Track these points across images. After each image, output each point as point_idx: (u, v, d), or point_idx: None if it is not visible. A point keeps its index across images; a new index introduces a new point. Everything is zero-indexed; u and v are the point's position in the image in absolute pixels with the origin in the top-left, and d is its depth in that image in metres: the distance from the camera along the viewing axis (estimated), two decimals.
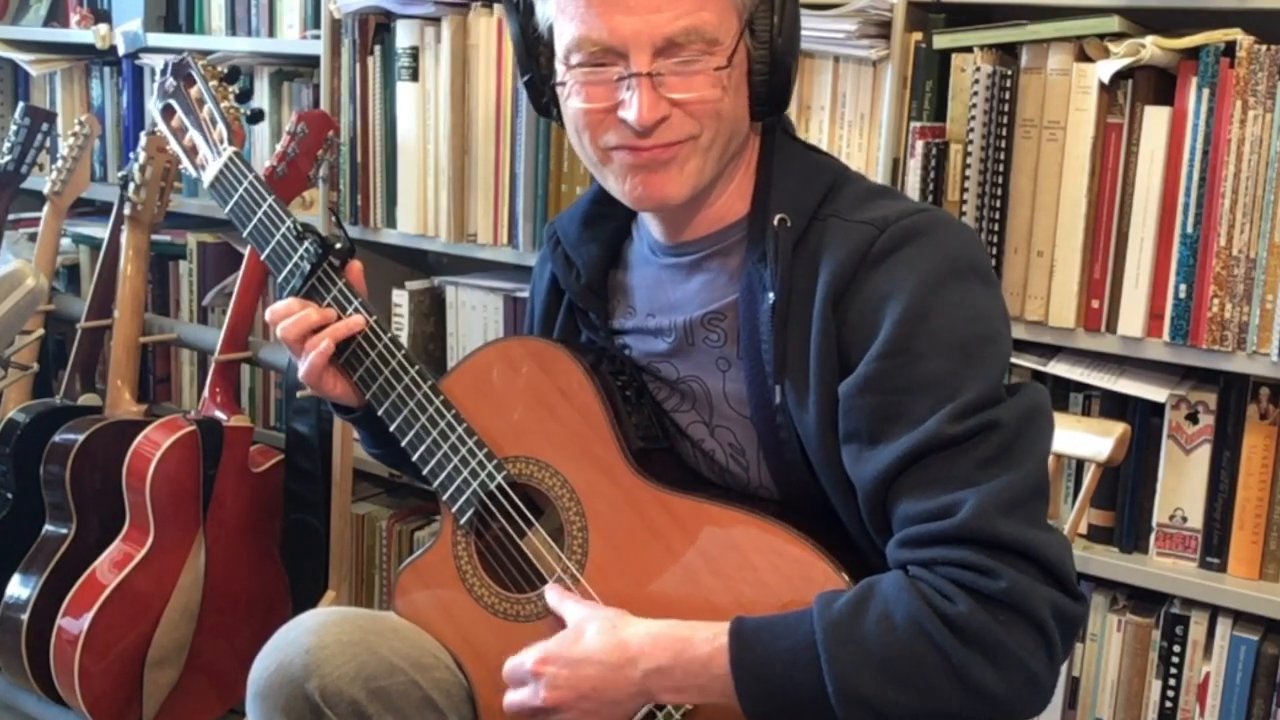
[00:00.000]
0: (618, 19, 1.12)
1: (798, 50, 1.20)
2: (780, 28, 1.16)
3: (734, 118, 1.18)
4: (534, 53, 1.22)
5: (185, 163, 1.57)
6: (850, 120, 1.82)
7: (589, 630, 1.15)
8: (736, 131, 1.19)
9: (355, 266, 1.39)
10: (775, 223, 1.18)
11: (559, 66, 1.19)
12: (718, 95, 1.14)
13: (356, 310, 1.36)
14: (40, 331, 2.52)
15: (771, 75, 1.17)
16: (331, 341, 1.34)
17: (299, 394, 2.17)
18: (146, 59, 2.63)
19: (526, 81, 1.24)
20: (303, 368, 1.36)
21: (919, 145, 1.74)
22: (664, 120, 1.14)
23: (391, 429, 1.34)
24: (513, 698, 1.18)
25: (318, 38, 2.29)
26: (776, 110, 1.21)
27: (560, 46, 1.17)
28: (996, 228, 1.71)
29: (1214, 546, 1.71)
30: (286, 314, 1.37)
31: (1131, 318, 1.67)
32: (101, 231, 2.47)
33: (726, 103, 1.15)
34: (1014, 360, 1.75)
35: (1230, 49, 1.57)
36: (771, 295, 1.16)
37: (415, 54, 2.16)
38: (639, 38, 1.12)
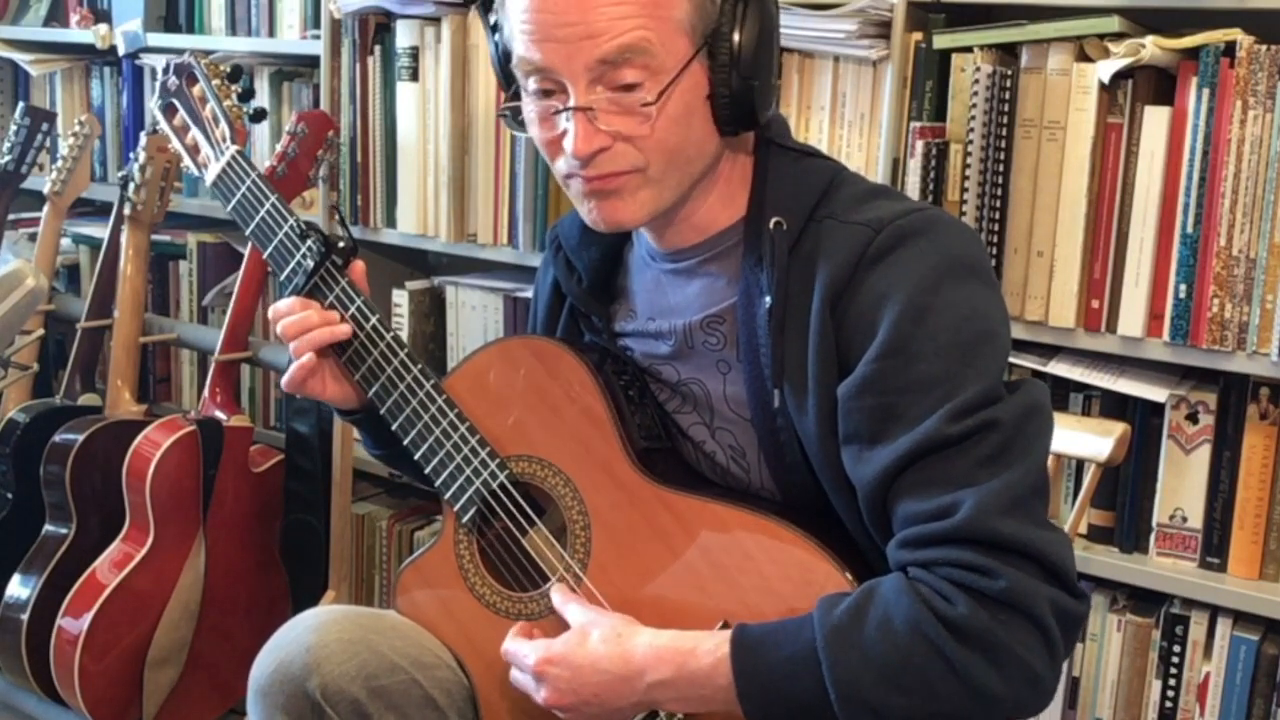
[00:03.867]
0: (549, 46, 1.11)
1: (767, 68, 1.17)
2: (740, 48, 1.14)
3: (687, 145, 1.15)
4: (509, 75, 1.22)
5: (187, 161, 1.56)
6: (850, 120, 1.82)
7: (593, 636, 1.15)
8: (698, 155, 1.17)
9: (358, 266, 1.39)
10: (771, 226, 1.17)
11: (521, 90, 1.19)
12: (646, 132, 1.12)
13: (358, 310, 1.36)
14: (40, 331, 2.52)
15: (734, 96, 1.15)
16: (314, 354, 1.35)
17: (299, 394, 2.17)
18: (146, 59, 2.62)
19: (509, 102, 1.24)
20: (285, 376, 1.36)
21: (919, 145, 1.74)
22: (604, 150, 1.13)
23: (393, 428, 1.34)
24: (516, 678, 1.20)
25: (318, 38, 2.29)
26: (747, 128, 1.19)
27: (516, 71, 1.18)
28: (996, 228, 1.71)
29: (1214, 546, 1.71)
30: (288, 313, 1.37)
31: (1131, 318, 1.67)
32: (101, 231, 2.47)
33: (675, 134, 1.14)
34: (1014, 360, 1.75)
35: (1230, 49, 1.57)
36: (768, 299, 1.16)
37: (415, 54, 2.16)
38: (571, 64, 1.11)
